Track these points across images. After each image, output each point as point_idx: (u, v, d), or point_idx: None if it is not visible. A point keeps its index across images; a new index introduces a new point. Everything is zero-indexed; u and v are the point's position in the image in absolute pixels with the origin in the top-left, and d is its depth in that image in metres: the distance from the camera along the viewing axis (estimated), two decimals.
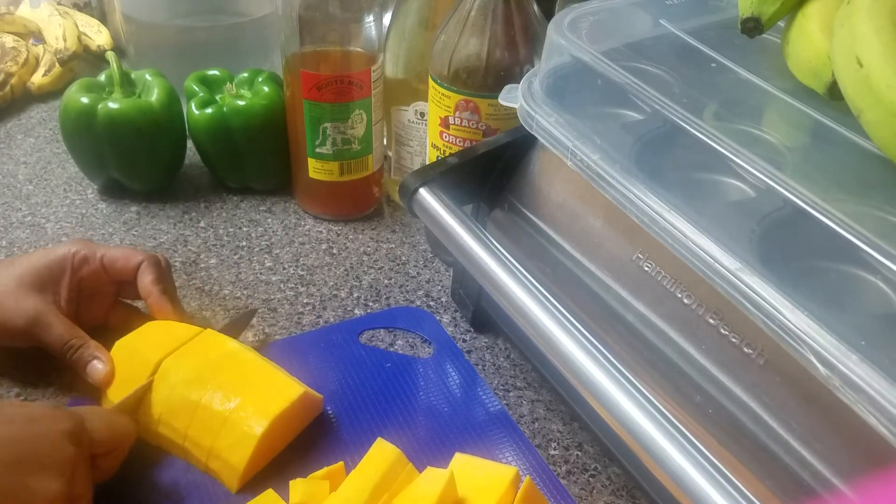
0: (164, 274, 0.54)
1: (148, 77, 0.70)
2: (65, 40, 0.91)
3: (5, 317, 0.50)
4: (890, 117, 0.38)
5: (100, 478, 0.44)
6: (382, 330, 0.59)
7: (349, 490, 0.43)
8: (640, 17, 0.55)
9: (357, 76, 0.63)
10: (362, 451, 0.46)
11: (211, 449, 0.46)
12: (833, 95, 0.44)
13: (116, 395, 0.48)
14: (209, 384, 0.47)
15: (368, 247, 0.68)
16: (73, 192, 0.73)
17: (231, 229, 0.69)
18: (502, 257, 0.45)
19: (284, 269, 0.65)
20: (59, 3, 0.98)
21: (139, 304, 0.56)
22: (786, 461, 0.36)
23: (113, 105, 0.66)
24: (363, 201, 0.72)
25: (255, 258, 0.66)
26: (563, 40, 0.49)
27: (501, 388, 0.55)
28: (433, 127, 0.63)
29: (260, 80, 0.71)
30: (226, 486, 0.46)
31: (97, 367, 0.49)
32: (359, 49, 0.64)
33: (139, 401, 0.48)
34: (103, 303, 0.55)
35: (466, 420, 0.52)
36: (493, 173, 0.54)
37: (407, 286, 0.64)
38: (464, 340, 0.58)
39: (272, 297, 0.62)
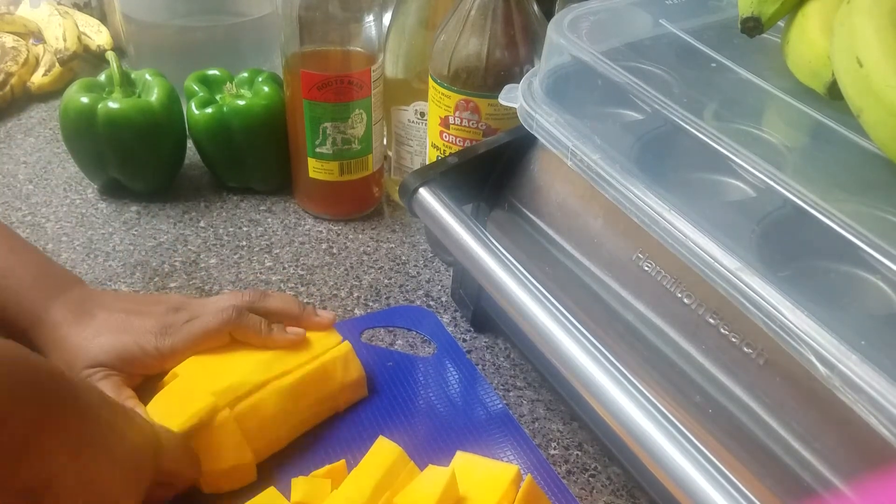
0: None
1: (148, 77, 0.70)
2: (65, 40, 0.91)
3: (68, 367, 0.48)
4: (890, 117, 0.38)
5: (155, 500, 0.42)
6: (382, 329, 0.59)
7: (351, 488, 0.43)
8: (640, 17, 0.55)
9: (357, 76, 0.63)
10: (364, 449, 0.46)
11: None
12: (833, 95, 0.44)
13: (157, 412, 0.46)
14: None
15: (368, 247, 0.68)
16: (73, 192, 0.73)
17: (231, 229, 0.69)
18: (502, 257, 0.45)
19: (284, 268, 0.65)
20: (59, 3, 0.98)
21: None
22: (786, 461, 0.36)
23: (113, 105, 0.66)
24: (363, 201, 0.72)
25: (255, 258, 0.66)
26: (563, 40, 0.49)
27: (501, 387, 0.55)
28: (433, 127, 0.63)
29: (260, 80, 0.71)
30: None
31: None
32: (359, 49, 0.64)
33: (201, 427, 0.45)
34: None
35: (467, 418, 0.52)
36: (493, 173, 0.54)
37: (407, 286, 0.64)
38: (464, 340, 0.59)
39: None
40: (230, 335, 0.49)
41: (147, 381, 0.49)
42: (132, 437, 0.39)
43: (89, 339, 0.49)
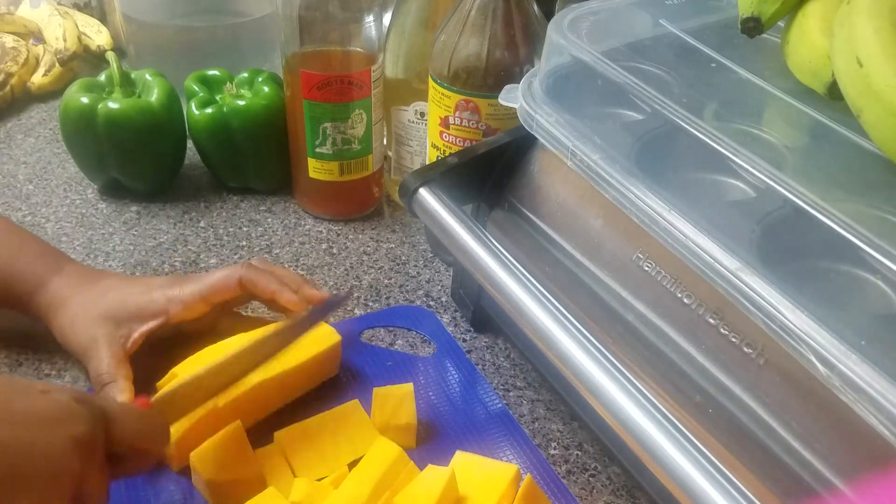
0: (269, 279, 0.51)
1: (148, 77, 0.70)
2: (65, 40, 0.91)
3: (71, 338, 0.50)
4: (890, 117, 0.38)
5: (124, 475, 0.39)
6: (382, 329, 0.59)
7: (351, 488, 0.43)
8: (640, 17, 0.55)
9: (357, 76, 0.63)
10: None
11: None
12: (833, 95, 0.44)
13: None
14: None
15: (368, 247, 0.68)
16: (73, 192, 0.73)
17: (231, 229, 0.69)
18: (502, 257, 0.45)
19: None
20: (59, 3, 0.98)
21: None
22: (786, 461, 0.36)
23: (113, 105, 0.66)
24: (363, 201, 0.72)
25: (255, 258, 0.66)
26: (563, 40, 0.49)
27: (501, 387, 0.55)
28: (433, 127, 0.63)
29: (260, 80, 0.71)
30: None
31: None
32: (359, 49, 0.64)
33: (180, 399, 0.44)
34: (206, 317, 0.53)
35: (467, 418, 0.52)
36: (493, 173, 0.54)
37: (407, 286, 0.64)
38: (464, 340, 0.59)
39: None
40: (241, 287, 0.51)
41: (145, 382, 0.49)
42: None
43: (98, 294, 0.51)
